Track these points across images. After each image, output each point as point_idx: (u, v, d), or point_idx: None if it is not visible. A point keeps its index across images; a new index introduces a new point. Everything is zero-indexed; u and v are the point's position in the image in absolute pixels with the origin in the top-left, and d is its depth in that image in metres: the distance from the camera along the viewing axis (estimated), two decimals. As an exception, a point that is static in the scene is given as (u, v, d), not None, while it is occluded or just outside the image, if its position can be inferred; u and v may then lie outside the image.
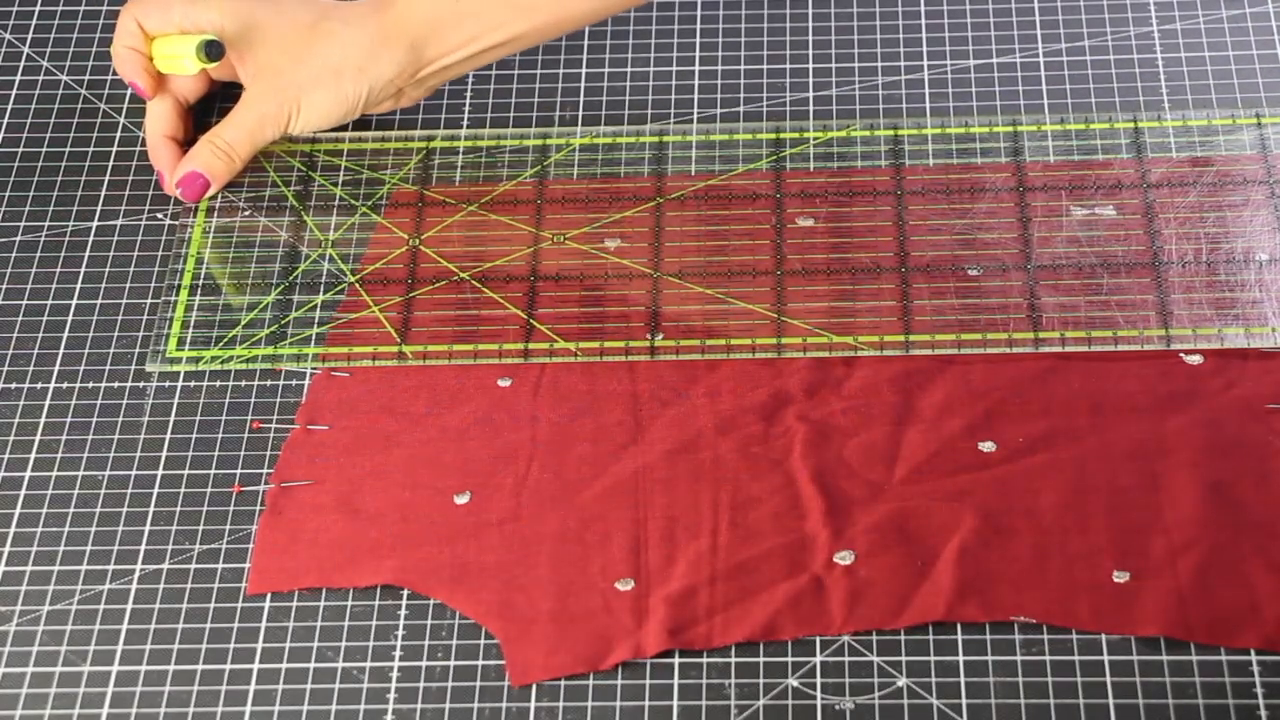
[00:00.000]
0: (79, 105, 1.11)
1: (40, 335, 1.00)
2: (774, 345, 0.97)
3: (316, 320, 1.00)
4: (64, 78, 1.12)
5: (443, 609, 0.88)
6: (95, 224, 1.05)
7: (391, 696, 0.86)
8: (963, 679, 0.84)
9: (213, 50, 1.02)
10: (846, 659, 0.85)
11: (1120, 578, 0.87)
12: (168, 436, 0.95)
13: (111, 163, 1.07)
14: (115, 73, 1.11)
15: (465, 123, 1.08)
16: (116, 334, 1.00)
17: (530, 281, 1.01)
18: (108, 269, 1.02)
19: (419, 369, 0.97)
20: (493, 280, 1.01)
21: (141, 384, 0.98)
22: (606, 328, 0.98)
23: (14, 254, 1.04)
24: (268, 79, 1.04)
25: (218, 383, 0.97)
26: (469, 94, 1.10)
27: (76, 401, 0.97)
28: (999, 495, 0.90)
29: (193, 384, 0.97)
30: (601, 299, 1.00)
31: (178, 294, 1.01)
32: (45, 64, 1.13)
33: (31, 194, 1.06)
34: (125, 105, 1.10)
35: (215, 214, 1.05)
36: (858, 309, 0.98)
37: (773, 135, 1.06)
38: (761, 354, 0.97)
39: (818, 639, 0.86)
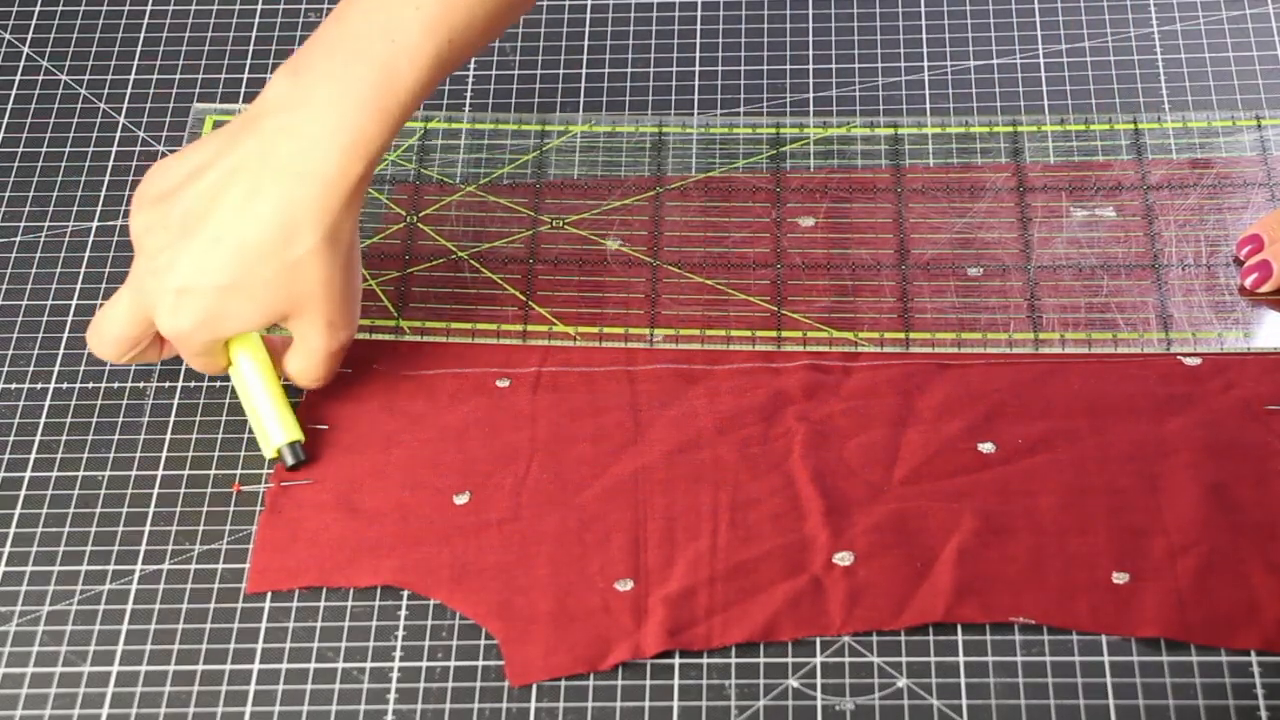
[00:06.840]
0: (79, 105, 1.11)
1: (40, 335, 1.00)
2: (774, 338, 0.97)
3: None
4: (64, 78, 1.12)
5: (443, 609, 0.88)
6: (95, 224, 1.05)
7: (392, 697, 0.86)
8: (963, 679, 0.84)
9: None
10: (847, 659, 0.85)
11: (1119, 579, 0.87)
12: (168, 437, 0.95)
13: (111, 163, 1.07)
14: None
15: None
16: (116, 334, 1.00)
17: (528, 264, 1.00)
18: (108, 269, 1.02)
19: (418, 371, 0.97)
20: (491, 261, 1.01)
21: (141, 384, 0.98)
22: (606, 313, 0.98)
23: (14, 254, 1.04)
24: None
25: (218, 382, 0.97)
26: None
27: (76, 402, 0.97)
28: (998, 496, 0.90)
29: (193, 384, 0.97)
30: (600, 285, 1.00)
31: (178, 294, 1.01)
32: (45, 64, 1.13)
33: (31, 194, 1.06)
34: (125, 105, 1.10)
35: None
36: (858, 305, 0.98)
37: (773, 130, 1.06)
38: (761, 346, 0.96)
39: (818, 639, 0.86)
